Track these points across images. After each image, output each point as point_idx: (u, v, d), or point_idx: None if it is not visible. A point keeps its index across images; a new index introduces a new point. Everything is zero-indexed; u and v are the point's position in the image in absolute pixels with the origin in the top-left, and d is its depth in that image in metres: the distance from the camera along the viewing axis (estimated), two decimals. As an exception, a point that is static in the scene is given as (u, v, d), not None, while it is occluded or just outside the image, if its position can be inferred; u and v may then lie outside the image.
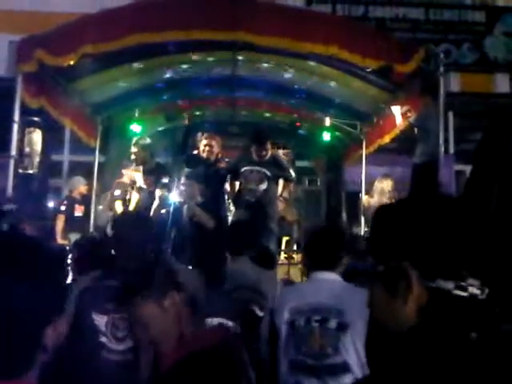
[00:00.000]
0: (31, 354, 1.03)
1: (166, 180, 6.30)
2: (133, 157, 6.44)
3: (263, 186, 5.94)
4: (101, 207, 7.18)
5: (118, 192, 6.51)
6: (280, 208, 6.43)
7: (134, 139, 6.58)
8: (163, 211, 6.59)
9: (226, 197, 6.64)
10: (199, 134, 6.55)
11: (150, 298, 1.68)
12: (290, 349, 2.64)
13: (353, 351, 2.58)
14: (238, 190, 6.15)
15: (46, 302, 1.04)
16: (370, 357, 1.07)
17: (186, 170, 6.24)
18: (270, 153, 6.01)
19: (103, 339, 2.48)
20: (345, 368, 2.57)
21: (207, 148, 6.16)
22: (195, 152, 6.40)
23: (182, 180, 6.20)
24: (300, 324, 2.64)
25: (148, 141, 6.55)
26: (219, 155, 6.35)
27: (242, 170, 6.00)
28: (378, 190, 6.97)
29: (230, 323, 2.79)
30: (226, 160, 6.58)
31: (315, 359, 2.59)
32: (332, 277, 2.79)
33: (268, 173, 5.96)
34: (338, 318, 2.61)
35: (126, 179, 6.61)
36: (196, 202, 5.93)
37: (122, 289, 1.93)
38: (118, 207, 6.43)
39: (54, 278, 1.10)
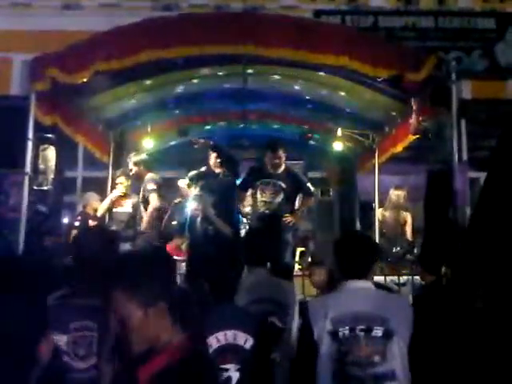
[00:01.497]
0: (26, 370, 1.02)
1: (153, 187, 6.37)
2: (130, 173, 6.65)
3: (278, 199, 5.99)
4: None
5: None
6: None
7: (130, 155, 6.75)
8: (174, 223, 6.62)
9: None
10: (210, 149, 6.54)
11: (135, 299, 1.67)
12: (333, 359, 2.59)
13: (399, 358, 2.57)
14: (253, 203, 6.16)
15: (39, 317, 1.03)
16: None
17: (199, 182, 6.27)
18: (283, 164, 6.05)
19: (66, 359, 2.46)
20: (392, 376, 2.55)
21: (218, 160, 6.22)
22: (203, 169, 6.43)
23: (196, 192, 6.22)
24: (344, 334, 2.59)
25: (143, 157, 6.72)
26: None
27: (258, 182, 6.05)
28: (392, 203, 6.92)
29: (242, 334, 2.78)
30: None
31: (362, 368, 2.55)
32: (367, 285, 2.78)
33: (283, 185, 6.02)
34: (383, 325, 2.59)
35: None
36: (208, 214, 5.96)
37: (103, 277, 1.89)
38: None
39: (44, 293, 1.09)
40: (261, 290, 3.41)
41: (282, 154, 6.01)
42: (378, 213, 7.10)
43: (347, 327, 2.60)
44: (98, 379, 2.38)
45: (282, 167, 6.08)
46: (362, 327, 2.59)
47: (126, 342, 1.68)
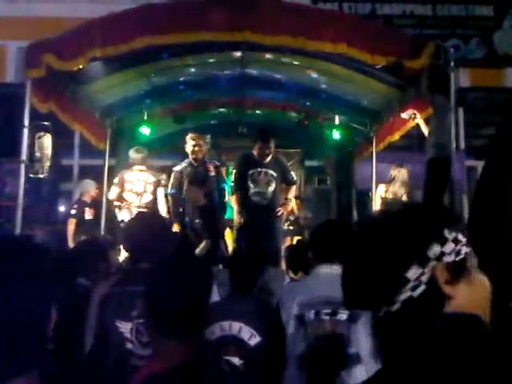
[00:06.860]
0: (37, 347, 1.02)
1: None
2: None
3: (271, 188, 5.95)
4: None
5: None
6: (294, 208, 6.48)
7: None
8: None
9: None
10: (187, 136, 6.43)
11: None
12: (299, 343, 2.60)
13: (364, 342, 2.54)
14: (245, 193, 6.04)
15: (44, 293, 1.04)
16: None
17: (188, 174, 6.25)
18: (271, 153, 5.99)
19: (129, 346, 2.44)
20: (357, 359, 2.53)
21: (196, 148, 6.14)
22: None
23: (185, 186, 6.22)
24: (309, 317, 2.60)
25: None
26: (205, 156, 6.34)
27: (250, 172, 5.98)
28: (400, 179, 6.84)
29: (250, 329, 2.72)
30: (216, 162, 6.53)
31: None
32: (337, 270, 2.77)
33: (274, 174, 5.98)
34: (348, 309, 2.58)
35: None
36: (199, 204, 5.96)
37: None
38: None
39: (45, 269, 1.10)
40: None
41: (271, 145, 5.91)
42: (383, 189, 7.02)
43: (313, 311, 2.60)
44: None
45: (270, 156, 6.02)
46: (327, 311, 2.59)
47: None
